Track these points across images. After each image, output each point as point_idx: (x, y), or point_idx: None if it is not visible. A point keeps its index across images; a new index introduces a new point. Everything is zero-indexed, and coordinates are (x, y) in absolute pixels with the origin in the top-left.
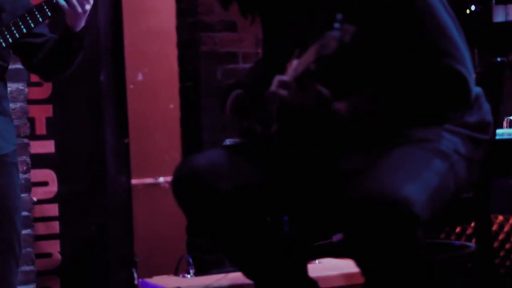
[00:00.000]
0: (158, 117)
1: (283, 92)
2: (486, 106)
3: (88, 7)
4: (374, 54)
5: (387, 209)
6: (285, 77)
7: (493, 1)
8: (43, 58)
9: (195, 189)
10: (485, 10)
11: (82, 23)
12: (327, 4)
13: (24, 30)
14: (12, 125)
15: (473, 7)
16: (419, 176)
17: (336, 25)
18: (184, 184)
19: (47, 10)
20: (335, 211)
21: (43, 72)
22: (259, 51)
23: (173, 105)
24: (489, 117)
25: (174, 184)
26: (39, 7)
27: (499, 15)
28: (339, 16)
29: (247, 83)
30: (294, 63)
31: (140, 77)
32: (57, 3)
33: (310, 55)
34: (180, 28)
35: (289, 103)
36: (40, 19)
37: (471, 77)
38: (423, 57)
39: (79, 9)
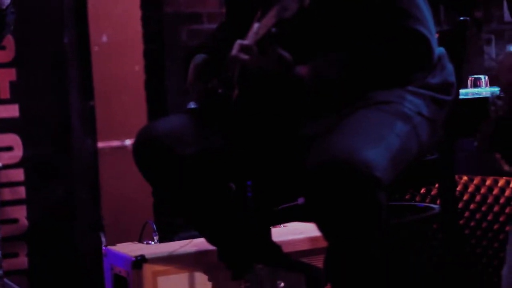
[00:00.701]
0: (123, 79)
1: (244, 56)
2: (449, 67)
3: None
4: (335, 16)
5: (347, 173)
6: (246, 41)
7: None
8: None
9: (156, 154)
10: None
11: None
12: None
13: None
14: None
15: None
16: (380, 139)
17: None
18: (145, 150)
19: None
20: (297, 175)
21: None
22: (223, 11)
23: (138, 67)
24: (452, 77)
25: (135, 149)
26: None
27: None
28: None
29: (209, 46)
30: (255, 26)
31: (104, 38)
32: None
33: (270, 18)
34: None
35: (249, 67)
36: None
37: (433, 38)
38: (384, 17)
39: None
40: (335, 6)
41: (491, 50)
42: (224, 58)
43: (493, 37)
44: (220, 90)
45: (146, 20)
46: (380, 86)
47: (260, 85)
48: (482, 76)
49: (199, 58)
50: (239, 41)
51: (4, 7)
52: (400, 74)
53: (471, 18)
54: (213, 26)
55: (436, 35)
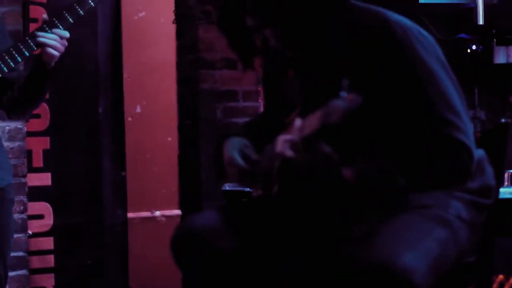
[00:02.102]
0: (155, 150)
1: (289, 152)
2: (489, 170)
3: (64, 48)
4: (378, 120)
5: (387, 278)
6: (291, 137)
7: (494, 42)
8: (13, 97)
9: (193, 249)
10: (486, 51)
11: (55, 61)
12: (334, 64)
13: (12, 64)
14: (7, 157)
15: (474, 47)
16: (420, 245)
17: (342, 93)
18: (183, 243)
19: (32, 44)
20: (336, 276)
21: (10, 109)
22: (259, 89)
23: (171, 139)
24: (491, 181)
25: (172, 243)
26: (25, 42)
27: (500, 57)
28: (345, 82)
29: (244, 135)
30: (298, 123)
31: (138, 109)
32: (40, 41)
33: (315, 120)
34: (180, 64)
35: (295, 164)
36: (27, 53)
37: (474, 147)
38: (425, 125)
39: (57, 52)
40: (378, 110)
41: None
42: (259, 149)
43: None
44: (257, 188)
45: (181, 95)
46: (420, 192)
47: (301, 182)
48: None
49: (235, 140)
50: (283, 137)
51: (51, 65)
52: (440, 183)
53: (506, 102)
54: (249, 104)
55: (477, 134)
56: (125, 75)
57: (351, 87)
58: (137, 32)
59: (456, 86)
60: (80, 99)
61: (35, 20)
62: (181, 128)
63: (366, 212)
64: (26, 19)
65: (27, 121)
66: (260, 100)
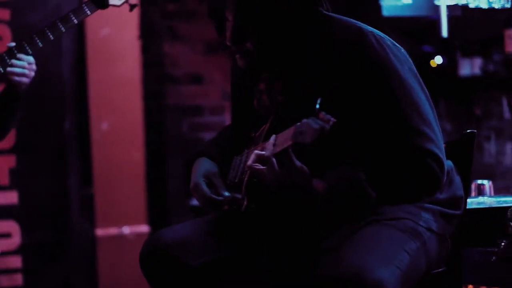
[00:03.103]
0: (122, 166)
1: (260, 167)
2: (457, 180)
3: (33, 73)
4: (351, 132)
5: None
6: (263, 152)
7: (459, 54)
8: None
9: (163, 265)
10: (451, 63)
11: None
12: (306, 75)
13: None
14: None
15: (439, 60)
16: (390, 257)
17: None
18: (152, 260)
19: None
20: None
21: None
22: (225, 104)
23: (138, 156)
24: (460, 191)
25: (141, 258)
26: None
27: (465, 68)
28: (318, 99)
29: (212, 153)
30: (272, 139)
31: (104, 126)
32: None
33: (286, 137)
34: (146, 80)
35: (266, 178)
36: None
37: (444, 157)
38: (397, 135)
39: (26, 79)
40: (350, 122)
41: (491, 147)
42: (227, 164)
43: (493, 134)
44: (224, 203)
45: (148, 111)
46: (391, 204)
47: (273, 196)
48: (486, 182)
49: (202, 163)
50: (256, 152)
51: (22, 87)
52: (412, 194)
53: (471, 114)
54: (215, 118)
55: (443, 145)
56: (90, 91)
57: (324, 101)
58: (101, 48)
59: (428, 98)
60: (46, 117)
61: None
62: (148, 143)
63: (337, 224)
64: None
65: None
66: (226, 115)
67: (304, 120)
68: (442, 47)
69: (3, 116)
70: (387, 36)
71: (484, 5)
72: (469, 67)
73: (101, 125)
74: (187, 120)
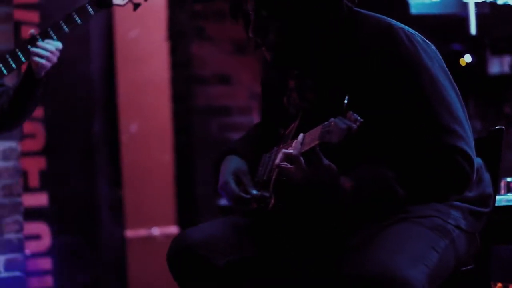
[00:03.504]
0: (151, 167)
1: (288, 166)
2: (487, 178)
3: (56, 59)
4: (380, 129)
5: None
6: (291, 151)
7: (488, 52)
8: (1, 110)
9: (190, 264)
10: (480, 61)
11: (47, 70)
12: (336, 71)
13: None
14: None
15: (468, 58)
16: (419, 255)
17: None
18: (179, 259)
19: (21, 56)
20: (334, 286)
21: (2, 121)
22: (253, 105)
23: (167, 158)
24: (489, 189)
25: (169, 258)
26: (13, 54)
27: (494, 66)
28: (346, 98)
29: (241, 151)
30: (300, 137)
31: (133, 128)
32: (33, 51)
33: (314, 137)
34: (174, 81)
35: (294, 177)
36: (14, 65)
37: (474, 156)
38: (427, 133)
39: (48, 63)
40: (380, 119)
41: None
42: (257, 162)
43: None
44: (253, 202)
45: (176, 112)
46: (420, 202)
47: (301, 195)
48: None
49: (231, 161)
50: (284, 150)
51: (41, 74)
52: (441, 192)
53: (501, 112)
54: (243, 119)
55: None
56: (119, 94)
57: (353, 98)
58: (130, 50)
59: (458, 95)
60: (75, 119)
61: None
62: (176, 145)
63: (364, 222)
64: (18, 38)
65: (21, 139)
66: (253, 115)
67: (332, 120)
68: (471, 45)
69: (22, 102)
70: (417, 33)
71: None
72: (498, 65)
73: (130, 127)
74: (215, 121)
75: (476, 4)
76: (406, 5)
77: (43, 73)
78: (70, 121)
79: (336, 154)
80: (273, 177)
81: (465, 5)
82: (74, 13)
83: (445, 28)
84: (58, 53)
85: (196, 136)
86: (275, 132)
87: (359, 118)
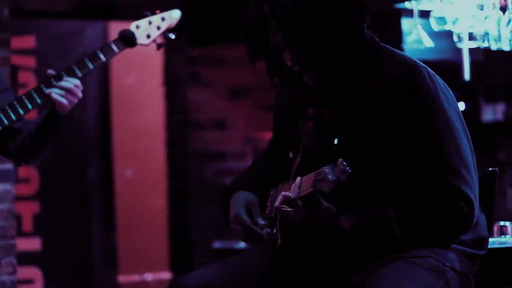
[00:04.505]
0: (146, 213)
1: (287, 209)
2: (482, 220)
3: (80, 94)
4: (385, 167)
5: None
6: (289, 194)
7: (481, 100)
8: (22, 144)
9: None
10: (474, 108)
11: (70, 109)
12: (354, 107)
13: (13, 117)
14: None
15: (462, 106)
16: None
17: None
18: None
19: (37, 99)
20: None
21: (19, 156)
22: (247, 149)
23: (161, 202)
24: (485, 232)
25: None
26: (29, 95)
27: (488, 114)
28: (335, 141)
29: (247, 186)
30: (298, 181)
31: (128, 173)
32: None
33: (308, 184)
34: (169, 126)
35: (293, 219)
36: (30, 107)
37: (477, 204)
38: (435, 174)
39: (69, 102)
40: (385, 159)
41: None
42: (264, 196)
43: None
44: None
45: (171, 156)
46: (418, 244)
47: (303, 236)
48: (508, 223)
49: (241, 195)
50: (283, 193)
51: (64, 113)
52: (439, 235)
53: (495, 160)
54: (238, 164)
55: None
56: (114, 139)
57: (366, 132)
58: (126, 96)
59: (470, 143)
60: (70, 164)
61: (24, 85)
62: (171, 190)
63: (363, 260)
64: (15, 82)
65: (15, 182)
66: (248, 160)
67: (323, 168)
68: (465, 92)
69: (44, 138)
70: (438, 76)
71: (507, 47)
72: (492, 113)
73: (124, 172)
74: (210, 166)
75: (470, 50)
76: (401, 51)
77: (65, 112)
78: (64, 166)
79: (338, 191)
80: (278, 217)
81: (459, 51)
82: (98, 51)
83: (439, 75)
84: (78, 91)
85: (191, 180)
86: (281, 163)
87: (347, 168)
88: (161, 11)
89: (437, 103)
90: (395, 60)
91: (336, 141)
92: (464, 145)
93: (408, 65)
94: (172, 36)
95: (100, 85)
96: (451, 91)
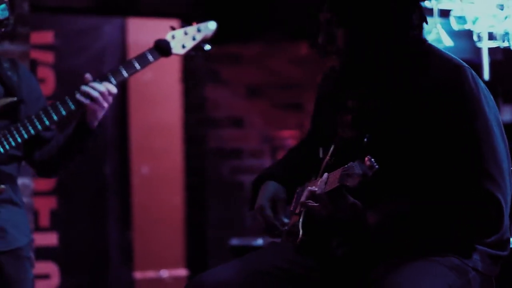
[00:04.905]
0: (162, 210)
1: (313, 203)
2: (506, 222)
3: (108, 104)
4: (415, 166)
5: None
6: (316, 189)
7: (500, 100)
8: (49, 154)
9: None
10: None
11: (98, 120)
12: (396, 99)
13: (47, 123)
14: (26, 216)
15: None
16: None
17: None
18: None
19: (70, 104)
20: None
21: (43, 167)
22: (264, 147)
23: (178, 200)
24: (508, 234)
25: None
26: (63, 101)
27: (506, 114)
28: (365, 137)
29: (280, 177)
30: (325, 176)
31: (145, 170)
32: (80, 99)
33: (335, 178)
34: (187, 123)
35: (319, 214)
36: (64, 112)
37: (507, 210)
38: (469, 175)
39: (100, 107)
40: (417, 156)
41: None
42: (293, 191)
43: None
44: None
45: (188, 154)
46: (441, 242)
47: (324, 230)
48: None
49: (270, 186)
50: (309, 188)
51: (94, 126)
52: (463, 235)
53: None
54: (254, 162)
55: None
56: (131, 136)
57: (406, 129)
58: (143, 92)
59: (507, 148)
60: (87, 160)
61: (42, 81)
62: (188, 187)
63: (386, 257)
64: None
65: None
66: (265, 158)
67: (351, 163)
68: None
69: (72, 151)
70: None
71: None
72: (510, 114)
73: (141, 169)
74: (227, 164)
75: (490, 50)
76: None
77: (95, 123)
78: (82, 162)
79: (367, 187)
80: (302, 213)
81: (479, 51)
82: (134, 59)
83: None
84: (110, 98)
85: (208, 178)
86: (315, 156)
87: (375, 164)
88: (198, 22)
89: (478, 104)
90: (441, 59)
91: (366, 139)
92: (501, 150)
93: (453, 65)
94: (208, 47)
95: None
96: (492, 96)
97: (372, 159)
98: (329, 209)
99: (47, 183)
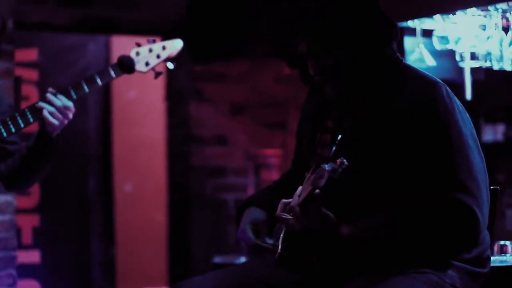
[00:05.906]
0: (145, 227)
1: (286, 216)
2: (486, 239)
3: (70, 116)
4: (391, 179)
5: None
6: (288, 201)
7: (482, 120)
8: (13, 166)
9: None
10: (474, 128)
11: (58, 131)
12: (372, 122)
13: (5, 134)
14: None
15: None
16: None
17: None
18: None
19: (29, 116)
20: None
21: (10, 180)
22: (248, 165)
23: (161, 216)
24: (488, 251)
25: None
26: (22, 113)
27: (488, 134)
28: (337, 140)
29: (260, 203)
30: (298, 189)
31: (128, 187)
32: (41, 112)
33: (307, 186)
34: (171, 140)
35: (292, 226)
36: (22, 125)
37: (484, 221)
38: (443, 186)
39: (57, 121)
40: (390, 168)
41: None
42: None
43: None
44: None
45: (172, 171)
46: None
47: (302, 244)
48: (508, 242)
49: (251, 211)
50: (283, 200)
51: (54, 135)
52: (439, 247)
53: (494, 180)
54: (238, 179)
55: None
56: (115, 153)
57: (380, 143)
58: (127, 110)
59: (483, 161)
60: (70, 177)
61: (26, 98)
62: (171, 204)
63: (362, 270)
64: (18, 94)
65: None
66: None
67: (322, 165)
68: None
69: (35, 161)
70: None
71: (508, 67)
72: (492, 133)
73: (124, 186)
74: (211, 181)
75: (472, 70)
76: None
77: (54, 133)
78: (65, 179)
79: (342, 199)
80: (283, 227)
81: (461, 70)
82: (96, 75)
83: None
84: (67, 113)
85: (192, 195)
86: (299, 181)
87: (345, 161)
88: (163, 39)
89: (452, 118)
90: (416, 76)
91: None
92: (476, 163)
93: (428, 81)
94: (171, 66)
95: (101, 98)
96: (467, 115)
97: (344, 159)
98: (302, 221)
99: (30, 201)
